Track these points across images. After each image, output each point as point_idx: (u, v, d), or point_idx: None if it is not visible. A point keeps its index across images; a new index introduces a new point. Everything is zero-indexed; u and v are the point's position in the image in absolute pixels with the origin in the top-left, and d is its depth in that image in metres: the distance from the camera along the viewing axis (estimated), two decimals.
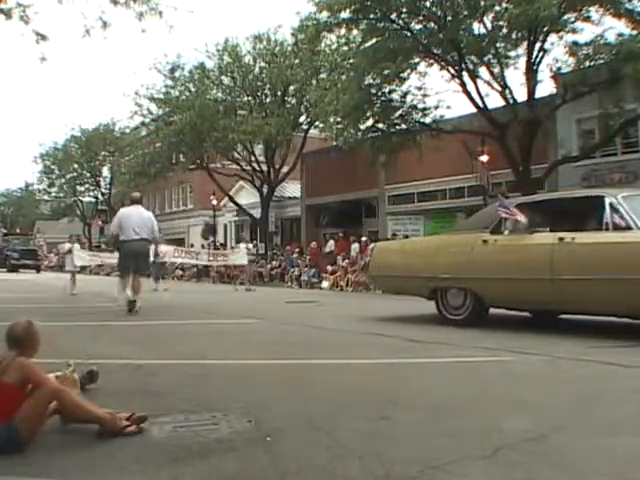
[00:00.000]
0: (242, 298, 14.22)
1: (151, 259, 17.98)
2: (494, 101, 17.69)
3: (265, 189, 29.21)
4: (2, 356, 2.78)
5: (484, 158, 18.57)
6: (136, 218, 9.44)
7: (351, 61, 19.29)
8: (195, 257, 20.65)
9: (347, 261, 19.63)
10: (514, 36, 16.28)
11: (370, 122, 18.56)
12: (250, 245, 19.75)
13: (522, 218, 6.77)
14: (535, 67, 16.37)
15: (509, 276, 6.70)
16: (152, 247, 10.41)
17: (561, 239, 6.30)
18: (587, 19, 15.34)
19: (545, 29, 15.52)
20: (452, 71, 17.30)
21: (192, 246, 29.15)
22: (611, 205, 6.13)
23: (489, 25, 16.43)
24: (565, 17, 15.04)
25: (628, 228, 5.94)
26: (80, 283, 14.97)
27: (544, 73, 16.71)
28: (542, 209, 7.61)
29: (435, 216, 22.59)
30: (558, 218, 7.39)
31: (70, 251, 15.36)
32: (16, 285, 19.04)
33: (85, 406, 2.80)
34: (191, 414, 3.12)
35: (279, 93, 27.55)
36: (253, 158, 29.09)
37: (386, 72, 16.61)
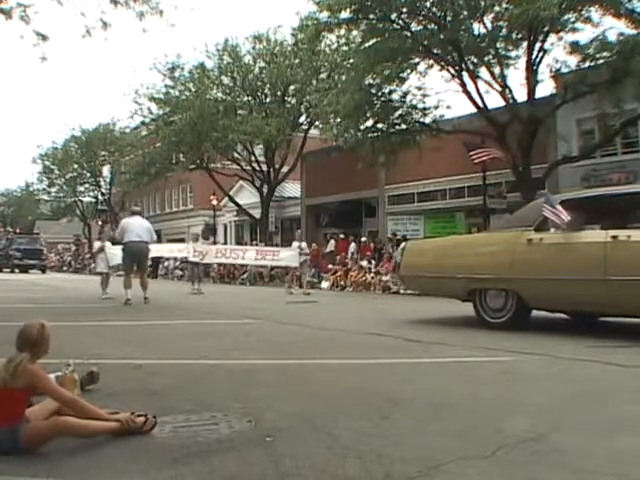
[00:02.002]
0: (245, 299, 14.21)
1: (191, 258, 17.62)
2: (494, 101, 17.72)
3: (265, 189, 29.22)
4: (12, 357, 2.69)
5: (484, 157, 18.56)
6: (137, 225, 11.45)
7: (351, 61, 19.30)
8: (241, 257, 18.70)
9: (338, 260, 19.63)
10: (514, 36, 16.30)
11: (370, 122, 18.57)
12: (303, 244, 17.19)
13: (565, 218, 6.28)
14: (535, 67, 16.37)
15: (556, 276, 6.31)
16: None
17: (615, 237, 5.92)
18: (587, 19, 15.34)
19: (545, 29, 15.54)
20: (452, 71, 17.30)
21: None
22: None
23: (489, 25, 16.45)
24: (565, 17, 15.05)
25: None
26: (80, 283, 14.84)
27: (544, 73, 16.75)
28: (590, 205, 7.17)
29: (435, 216, 22.61)
30: (607, 215, 6.96)
31: (102, 250, 13.72)
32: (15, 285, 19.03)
33: (95, 427, 2.74)
34: (191, 414, 3.12)
35: (279, 93, 27.54)
36: (253, 158, 29.10)
37: (386, 72, 16.60)
